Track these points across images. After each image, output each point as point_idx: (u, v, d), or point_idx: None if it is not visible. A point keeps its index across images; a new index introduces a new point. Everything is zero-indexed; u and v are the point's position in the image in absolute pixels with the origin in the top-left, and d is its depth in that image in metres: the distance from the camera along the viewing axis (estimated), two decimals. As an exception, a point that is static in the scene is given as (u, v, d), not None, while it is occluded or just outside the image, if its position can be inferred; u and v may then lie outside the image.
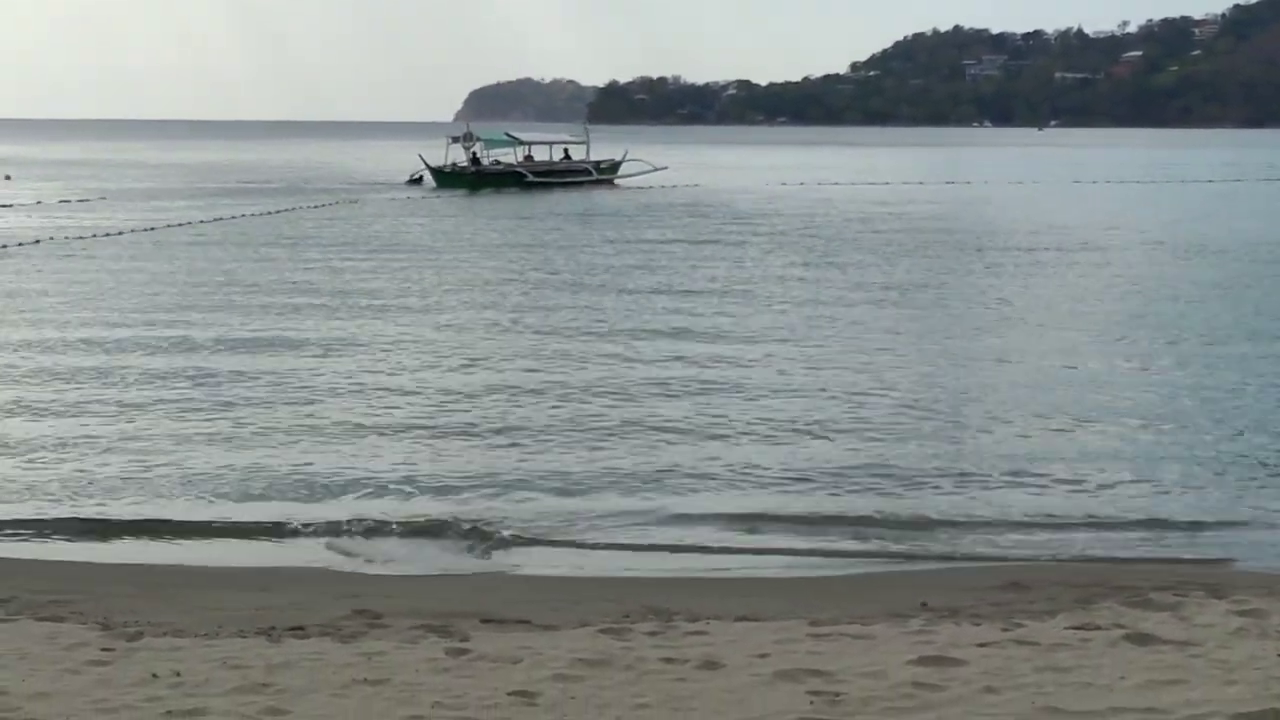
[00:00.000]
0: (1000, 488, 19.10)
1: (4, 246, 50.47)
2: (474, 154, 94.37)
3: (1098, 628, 12.54)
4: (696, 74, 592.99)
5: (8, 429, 22.10)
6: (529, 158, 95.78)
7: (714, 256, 49.60)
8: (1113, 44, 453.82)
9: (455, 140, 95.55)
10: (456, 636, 12.36)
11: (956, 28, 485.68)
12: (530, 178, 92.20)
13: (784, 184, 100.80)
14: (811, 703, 10.45)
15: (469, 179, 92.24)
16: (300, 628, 12.61)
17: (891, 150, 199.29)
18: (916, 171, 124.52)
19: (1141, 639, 12.09)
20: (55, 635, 12.32)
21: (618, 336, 31.48)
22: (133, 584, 14.52)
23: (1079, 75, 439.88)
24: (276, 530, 17.10)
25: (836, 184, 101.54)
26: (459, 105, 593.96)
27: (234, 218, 66.24)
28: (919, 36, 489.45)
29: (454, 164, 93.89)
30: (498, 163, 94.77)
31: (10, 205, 73.82)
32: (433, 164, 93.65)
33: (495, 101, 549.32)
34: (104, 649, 11.87)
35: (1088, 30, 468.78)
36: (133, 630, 12.46)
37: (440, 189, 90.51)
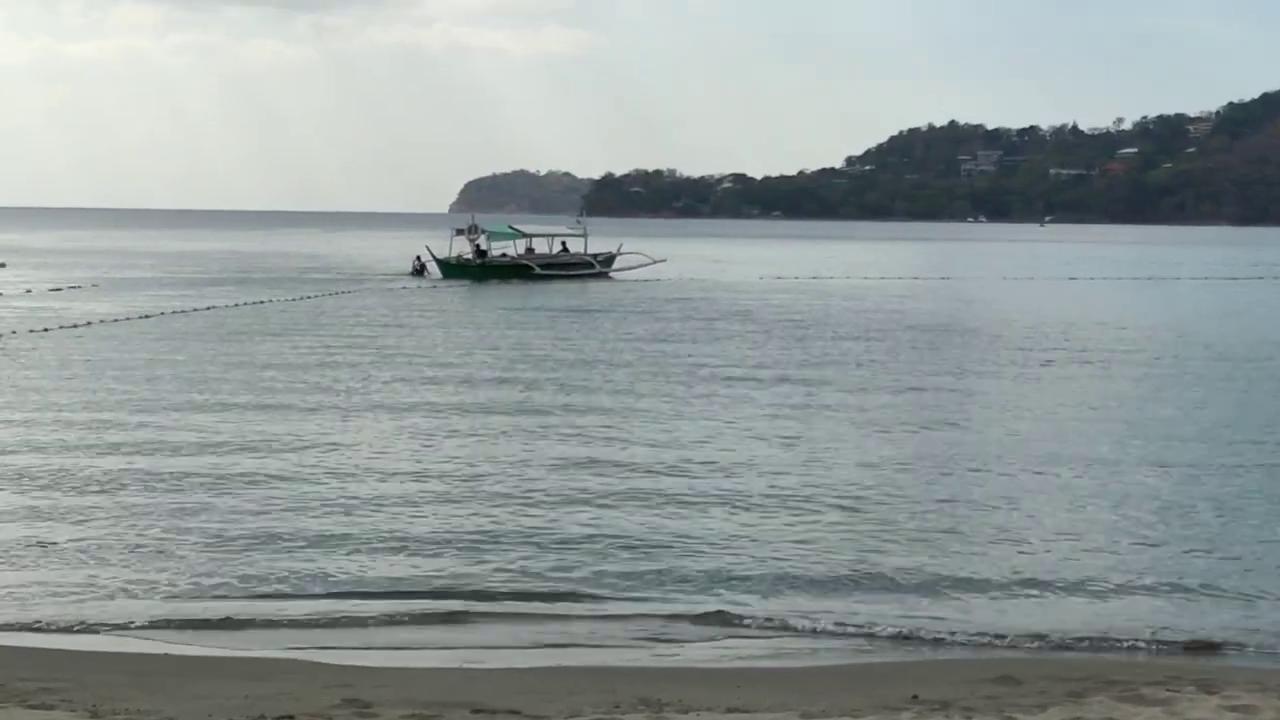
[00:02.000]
0: (992, 581, 19.09)
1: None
2: (478, 246, 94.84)
3: (1088, 723, 12.52)
4: (692, 167, 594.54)
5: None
6: (530, 250, 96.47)
7: (709, 347, 49.68)
8: (1108, 140, 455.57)
9: (460, 232, 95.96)
10: (446, 728, 12.32)
11: (952, 123, 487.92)
12: (538, 270, 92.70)
13: (779, 278, 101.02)
14: (802, 795, 10.43)
15: (474, 270, 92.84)
16: (290, 717, 12.57)
17: (889, 245, 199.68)
18: (913, 266, 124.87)
19: (1133, 734, 12.07)
20: (43, 724, 12.28)
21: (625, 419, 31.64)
22: (122, 673, 14.46)
23: (1074, 171, 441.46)
24: (266, 622, 17.07)
25: (832, 278, 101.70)
26: (454, 196, 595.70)
27: (235, 306, 66.39)
28: (914, 131, 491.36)
29: (459, 256, 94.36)
30: (505, 255, 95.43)
31: (1, 294, 74.00)
32: (438, 255, 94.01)
33: (491, 193, 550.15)
34: (92, 737, 11.84)
35: (1083, 126, 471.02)
36: (122, 719, 12.41)
37: (446, 279, 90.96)
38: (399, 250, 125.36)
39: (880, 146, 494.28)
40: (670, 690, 13.81)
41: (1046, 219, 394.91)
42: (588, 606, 17.93)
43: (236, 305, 68.16)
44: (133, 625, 16.91)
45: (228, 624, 17.05)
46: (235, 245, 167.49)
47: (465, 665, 15.57)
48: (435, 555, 20.00)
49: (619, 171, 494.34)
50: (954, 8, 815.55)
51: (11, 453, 27.52)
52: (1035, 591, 18.66)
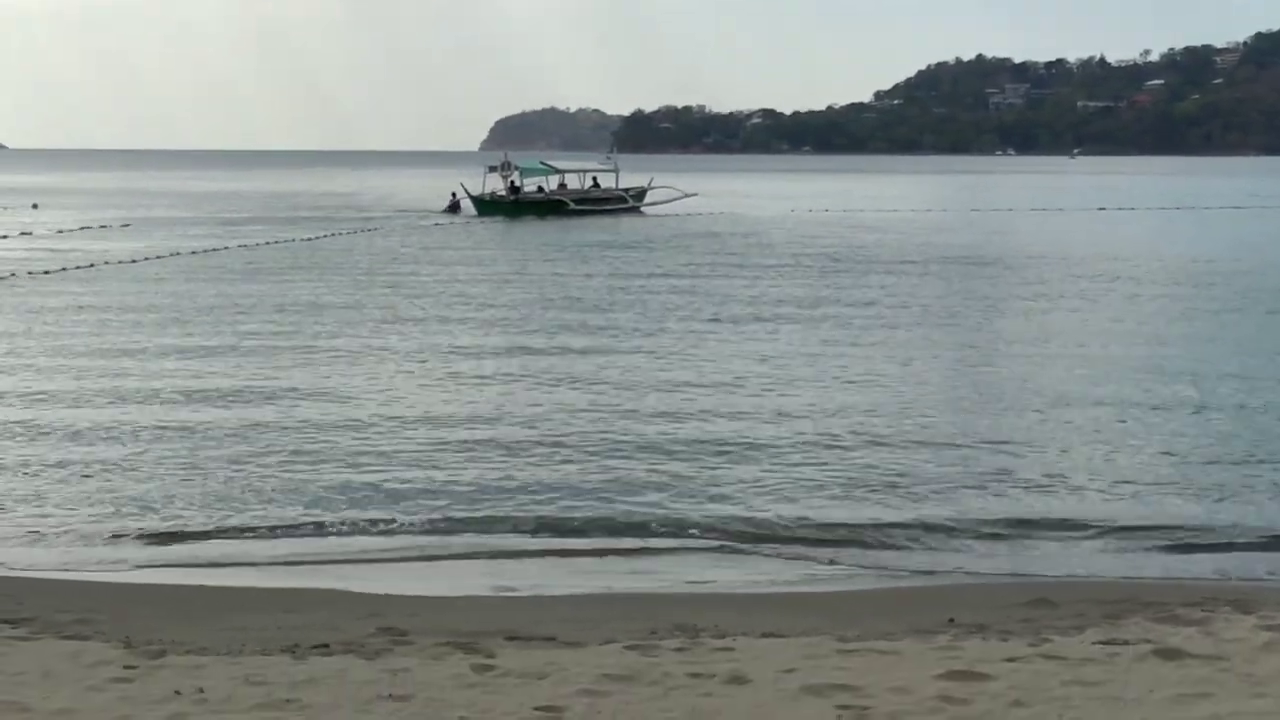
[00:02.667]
0: (1028, 506, 19.07)
1: (12, 275, 50.61)
2: (512, 182, 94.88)
3: (1125, 643, 12.45)
4: (721, 103, 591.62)
5: (22, 452, 22.22)
6: (562, 185, 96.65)
7: (743, 280, 49.59)
8: (1135, 72, 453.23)
9: (493, 169, 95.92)
10: (482, 653, 12.30)
11: (980, 57, 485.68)
12: (572, 205, 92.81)
13: (810, 210, 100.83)
14: (839, 717, 10.39)
15: (508, 207, 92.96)
16: (324, 645, 12.56)
17: (918, 178, 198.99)
18: (943, 199, 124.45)
19: (1169, 654, 12.01)
20: (78, 654, 12.28)
21: (659, 356, 31.82)
22: (156, 606, 14.47)
23: (1102, 104, 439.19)
24: (299, 557, 17.10)
25: (862, 211, 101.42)
26: (484, 135, 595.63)
27: (267, 244, 66.44)
28: (942, 65, 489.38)
29: (493, 192, 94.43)
30: (541, 189, 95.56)
31: (30, 233, 74.24)
32: (472, 192, 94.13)
33: (521, 131, 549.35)
34: (126, 666, 11.83)
35: (1110, 59, 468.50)
36: (155, 649, 12.42)
37: (481, 216, 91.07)
38: (432, 188, 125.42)
39: (909, 80, 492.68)
40: (706, 616, 13.79)
41: (1075, 151, 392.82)
42: (623, 541, 17.87)
43: (269, 243, 68.21)
44: (165, 562, 16.94)
45: (260, 559, 17.09)
46: (266, 185, 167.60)
47: (500, 595, 15.57)
48: (468, 491, 19.97)
49: (649, 108, 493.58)
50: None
51: (53, 390, 27.71)
52: (1070, 520, 18.56)
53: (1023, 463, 21.50)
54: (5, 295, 44.58)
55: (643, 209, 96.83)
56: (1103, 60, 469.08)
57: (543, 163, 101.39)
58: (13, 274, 50.72)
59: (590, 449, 22.53)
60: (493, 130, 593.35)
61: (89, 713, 10.55)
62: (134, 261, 57.02)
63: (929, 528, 18.06)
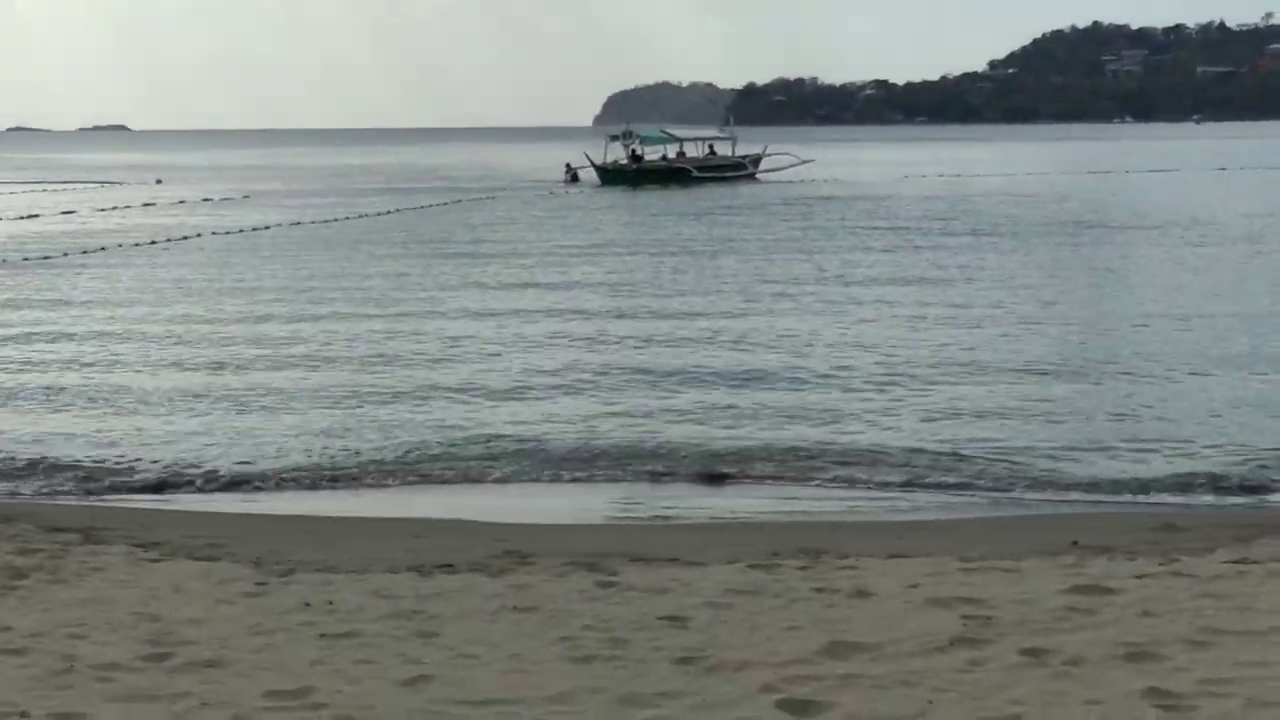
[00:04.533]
0: (1153, 442, 18.90)
1: (152, 243, 51.31)
2: (634, 151, 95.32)
3: (1255, 562, 12.34)
4: (833, 75, 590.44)
5: (160, 390, 22.80)
6: (681, 154, 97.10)
7: (865, 240, 49.58)
8: (1256, 36, 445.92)
9: (615, 139, 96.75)
10: (605, 571, 12.37)
11: (1096, 24, 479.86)
12: (695, 173, 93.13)
13: (924, 176, 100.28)
14: (964, 624, 10.35)
15: (631, 175, 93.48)
16: (450, 565, 12.68)
17: (1036, 145, 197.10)
18: (1063, 163, 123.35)
19: (1301, 570, 11.89)
20: (209, 572, 12.46)
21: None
22: (285, 531, 14.67)
23: (1222, 69, 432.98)
24: (426, 484, 17.26)
25: (977, 176, 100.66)
26: (597, 109, 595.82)
27: (391, 212, 67.00)
28: (1058, 33, 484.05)
29: (616, 161, 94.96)
30: (665, 158, 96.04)
31: (154, 204, 75.47)
32: (596, 162, 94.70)
33: (633, 105, 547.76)
34: (257, 583, 12.00)
35: (1230, 23, 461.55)
36: (284, 568, 12.58)
37: (604, 185, 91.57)
38: (548, 160, 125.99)
39: (1024, 49, 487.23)
40: (828, 540, 13.79)
41: (1195, 117, 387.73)
42: (746, 474, 17.89)
43: (395, 211, 69.03)
44: (295, 489, 17.15)
45: (387, 486, 17.28)
46: (383, 159, 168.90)
47: (620, 522, 15.64)
48: (594, 429, 20.12)
49: (761, 81, 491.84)
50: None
51: (188, 335, 29.02)
52: (1195, 453, 18.38)
53: (1152, 400, 21.34)
54: (132, 259, 45.41)
55: (759, 176, 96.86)
56: (1222, 25, 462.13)
57: (663, 130, 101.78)
58: (151, 242, 51.56)
59: (712, 386, 23.07)
60: (605, 105, 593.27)
61: (220, 622, 10.70)
62: (254, 230, 57.55)
63: (1051, 457, 17.95)
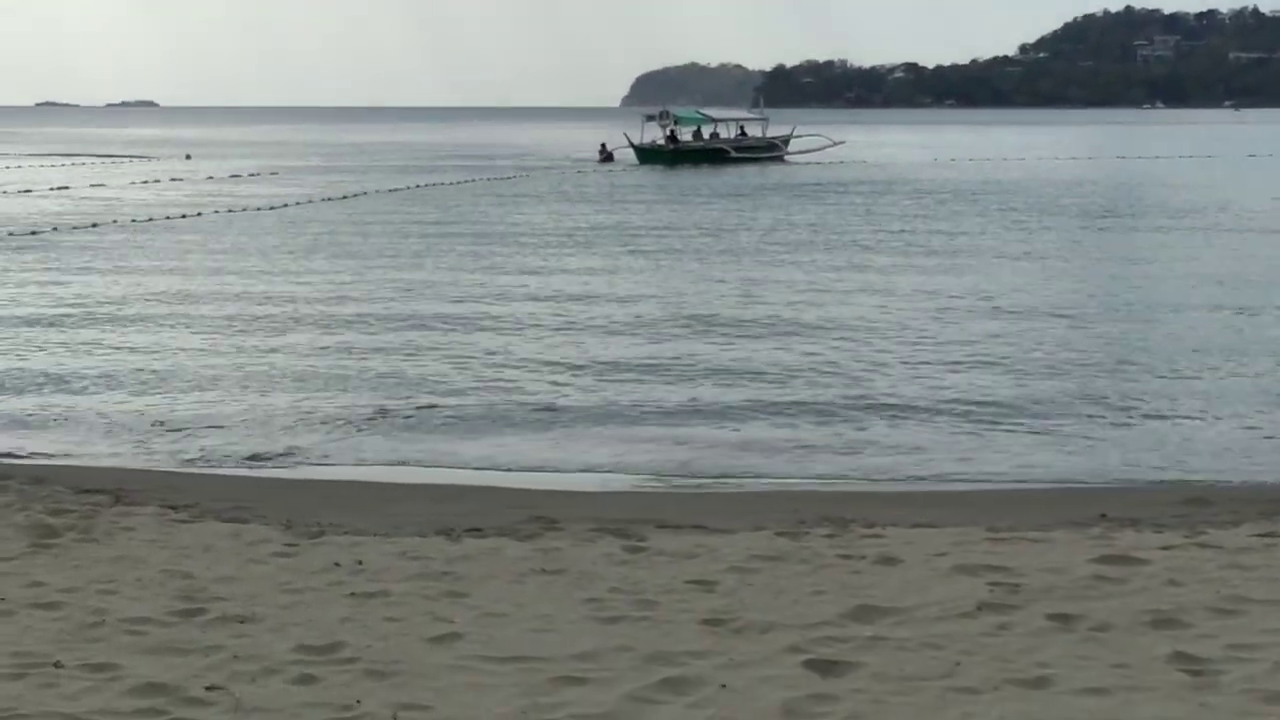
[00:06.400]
0: (1179, 416, 18.92)
1: (182, 217, 51.46)
2: (671, 131, 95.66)
3: (1284, 535, 12.36)
4: (863, 57, 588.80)
5: (188, 365, 22.75)
6: (715, 135, 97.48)
7: (894, 219, 49.56)
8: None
9: (651, 119, 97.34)
10: (633, 537, 12.44)
11: (1128, 8, 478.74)
12: (732, 154, 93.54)
13: (953, 159, 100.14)
14: (991, 591, 10.40)
15: (668, 155, 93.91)
16: (478, 529, 12.76)
17: (1066, 129, 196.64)
18: (1093, 148, 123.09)
19: (1329, 544, 11.91)
20: (239, 533, 12.56)
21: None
22: (314, 495, 14.72)
23: (1255, 55, 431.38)
24: (454, 456, 17.29)
25: (1006, 159, 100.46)
26: (625, 90, 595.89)
27: (421, 186, 67.11)
28: (1089, 18, 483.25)
29: (653, 141, 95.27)
30: (701, 136, 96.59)
31: (182, 179, 75.87)
32: (634, 142, 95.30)
33: (662, 87, 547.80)
34: (287, 544, 12.09)
35: (1264, 9, 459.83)
36: (314, 530, 12.66)
37: (641, 164, 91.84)
38: (580, 139, 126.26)
39: (1054, 33, 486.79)
40: (855, 508, 13.82)
41: (1226, 103, 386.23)
42: (777, 442, 17.93)
43: (425, 186, 69.30)
44: (323, 458, 17.19)
45: (415, 455, 17.35)
46: (413, 137, 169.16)
47: (648, 490, 15.68)
48: (618, 399, 20.18)
49: (790, 63, 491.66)
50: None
51: (232, 301, 29.67)
52: (1226, 434, 18.36)
53: (1183, 379, 21.33)
54: (161, 232, 45.58)
55: (789, 157, 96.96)
56: (1256, 10, 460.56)
57: (698, 111, 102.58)
58: (182, 215, 51.77)
59: (747, 353, 23.70)
60: (634, 86, 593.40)
61: (252, 580, 10.79)
62: (285, 206, 57.64)
63: (1081, 436, 17.95)
